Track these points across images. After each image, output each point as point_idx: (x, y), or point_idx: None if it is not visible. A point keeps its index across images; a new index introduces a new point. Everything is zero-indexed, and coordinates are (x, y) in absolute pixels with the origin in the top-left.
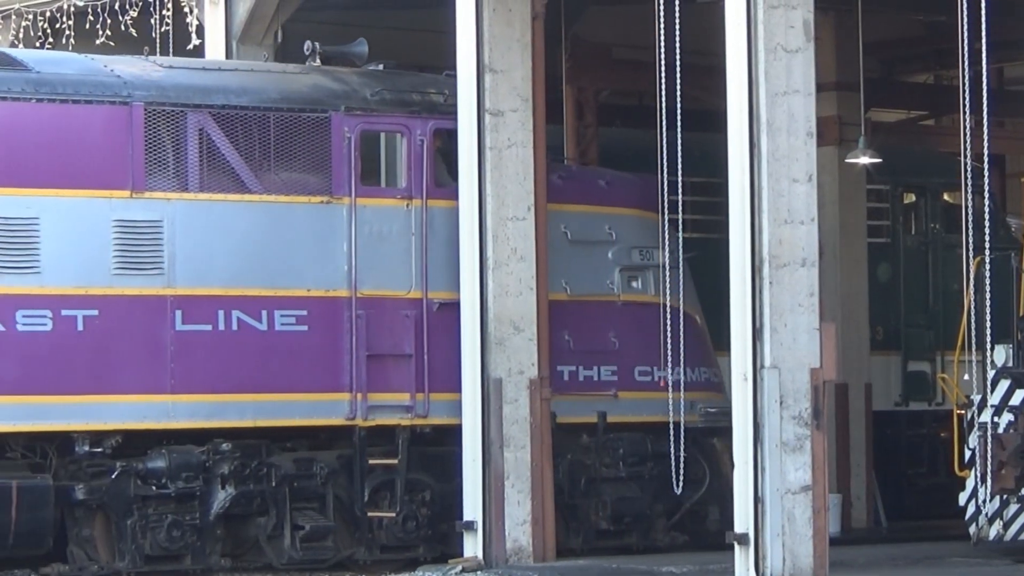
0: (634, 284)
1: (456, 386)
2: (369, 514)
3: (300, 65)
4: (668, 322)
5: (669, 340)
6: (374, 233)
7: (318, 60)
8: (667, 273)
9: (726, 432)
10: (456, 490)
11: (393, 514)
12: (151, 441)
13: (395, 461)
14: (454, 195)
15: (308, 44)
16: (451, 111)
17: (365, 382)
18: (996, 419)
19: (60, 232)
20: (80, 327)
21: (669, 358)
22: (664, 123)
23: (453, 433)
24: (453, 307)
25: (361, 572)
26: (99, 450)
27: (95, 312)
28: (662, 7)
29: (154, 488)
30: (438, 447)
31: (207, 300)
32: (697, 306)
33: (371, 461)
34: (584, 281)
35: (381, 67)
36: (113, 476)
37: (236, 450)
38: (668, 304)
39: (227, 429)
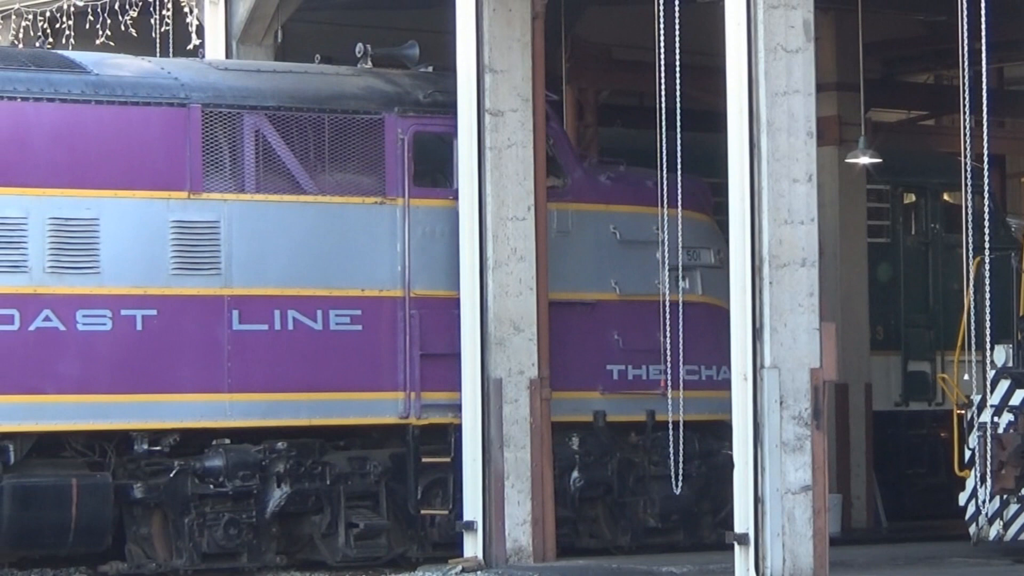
0: (682, 284)
1: None
2: (422, 512)
3: (352, 67)
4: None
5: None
6: (427, 233)
7: (369, 62)
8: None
9: None
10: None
11: (446, 511)
12: (207, 440)
13: (448, 459)
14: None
15: (360, 46)
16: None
17: (418, 381)
18: (996, 419)
19: (119, 233)
20: (139, 327)
21: (671, 357)
22: (664, 123)
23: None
24: None
25: (357, 571)
26: (157, 448)
27: (154, 312)
28: (662, 7)
29: (211, 486)
30: None
31: (263, 300)
32: None
33: (424, 459)
34: (633, 281)
35: (431, 69)
36: (171, 475)
37: (291, 449)
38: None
39: (281, 428)
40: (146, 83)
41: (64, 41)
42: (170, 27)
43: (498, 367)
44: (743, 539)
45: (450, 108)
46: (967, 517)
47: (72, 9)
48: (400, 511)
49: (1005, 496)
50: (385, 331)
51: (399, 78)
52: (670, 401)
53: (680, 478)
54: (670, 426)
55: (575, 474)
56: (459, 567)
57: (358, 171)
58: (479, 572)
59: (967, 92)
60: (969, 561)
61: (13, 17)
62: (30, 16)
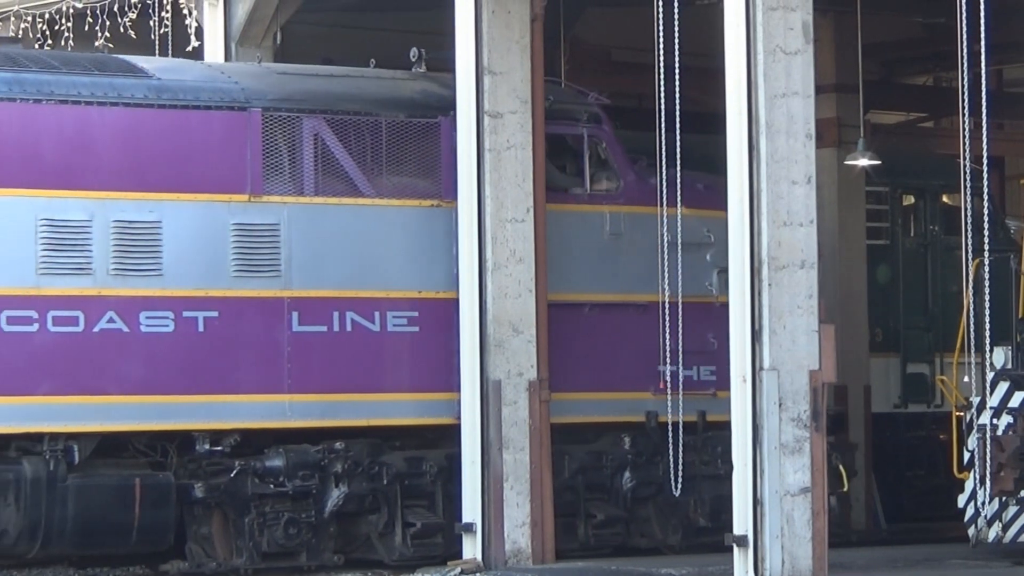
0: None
1: (566, 386)
2: None
3: (407, 71)
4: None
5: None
6: None
7: (423, 66)
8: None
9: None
10: (560, 488)
11: None
12: (266, 440)
13: None
14: (560, 198)
15: (414, 51)
16: (556, 116)
17: None
18: (995, 421)
19: (181, 235)
20: (201, 328)
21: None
22: (663, 124)
23: (558, 432)
24: (561, 308)
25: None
26: (218, 448)
27: (215, 313)
28: (661, 9)
29: (271, 486)
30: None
31: (322, 302)
32: None
33: None
34: (684, 282)
35: None
36: (232, 474)
37: (349, 449)
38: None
39: (339, 428)
40: (207, 87)
41: (63, 43)
42: (169, 29)
43: (497, 369)
44: (742, 541)
45: None
46: (966, 519)
47: (71, 11)
48: (455, 510)
49: (1004, 498)
50: (441, 333)
51: (453, 82)
52: (668, 401)
53: (680, 479)
54: (668, 425)
55: (627, 474)
56: (458, 569)
57: (414, 174)
58: (478, 574)
59: (966, 94)
60: (968, 563)
61: (12, 19)
62: (29, 18)
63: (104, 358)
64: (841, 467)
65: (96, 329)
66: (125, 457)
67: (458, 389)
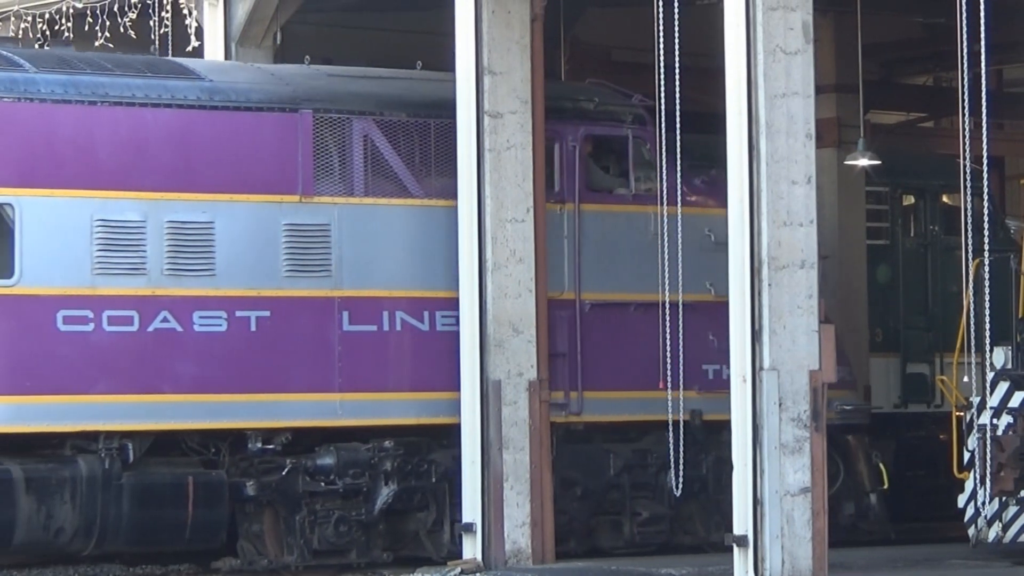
0: None
1: (611, 384)
2: None
3: (454, 73)
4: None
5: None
6: None
7: None
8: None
9: (861, 429)
10: (606, 486)
11: None
12: (316, 438)
13: (550, 457)
14: (606, 200)
15: None
16: (602, 117)
17: None
18: (995, 421)
19: (233, 236)
20: (253, 327)
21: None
22: (663, 124)
23: (604, 431)
24: (606, 307)
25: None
26: (270, 447)
27: (267, 313)
28: (661, 9)
29: (322, 484)
30: (586, 444)
31: (372, 301)
32: (832, 306)
33: None
34: (727, 282)
35: None
36: (283, 472)
37: (399, 447)
38: None
39: (388, 426)
40: (259, 89)
41: (63, 43)
42: (169, 29)
43: (497, 369)
44: (742, 541)
45: (550, 114)
46: (966, 519)
47: (71, 11)
48: None
49: (1004, 498)
50: None
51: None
52: (670, 401)
53: (681, 479)
54: (670, 426)
55: (671, 472)
56: (458, 569)
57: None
58: (478, 574)
59: (966, 94)
60: (968, 563)
61: (12, 19)
62: (29, 18)
63: (158, 357)
64: (882, 465)
65: (150, 329)
66: (177, 455)
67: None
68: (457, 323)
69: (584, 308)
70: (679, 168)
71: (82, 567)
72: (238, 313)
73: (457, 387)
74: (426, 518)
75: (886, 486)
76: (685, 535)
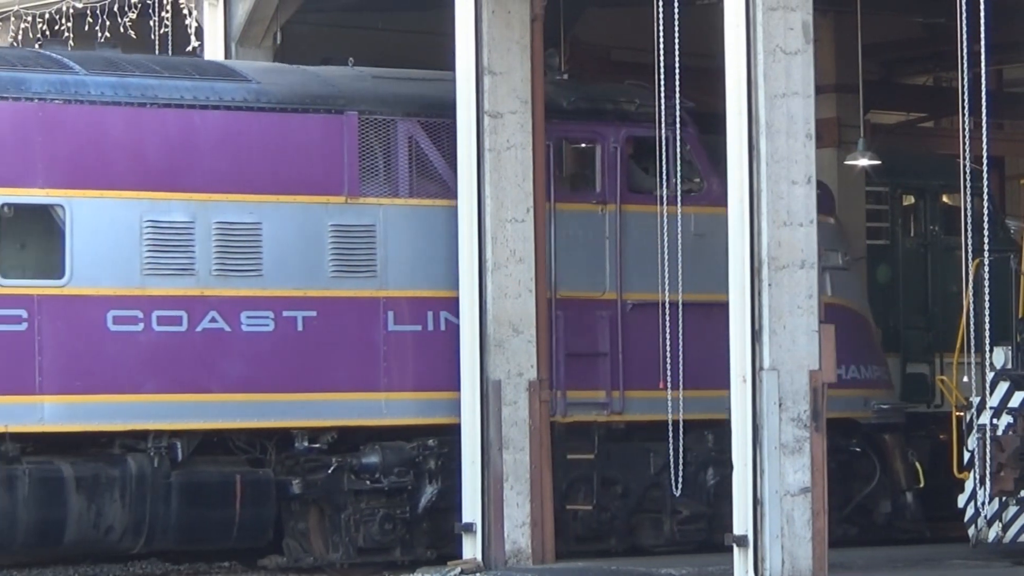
0: None
1: (650, 383)
2: (567, 507)
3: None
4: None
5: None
6: (571, 237)
7: None
8: None
9: (897, 428)
10: (646, 485)
11: (591, 507)
12: (360, 437)
13: (591, 456)
14: (647, 200)
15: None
16: (643, 119)
17: (564, 380)
18: (995, 421)
19: (280, 236)
20: (300, 328)
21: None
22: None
23: (644, 430)
24: (647, 308)
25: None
26: (316, 446)
27: (314, 313)
28: (661, 9)
29: (367, 483)
30: (626, 443)
31: (417, 301)
32: (867, 306)
33: (569, 456)
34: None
35: (565, 76)
36: (329, 471)
37: (443, 446)
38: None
39: (432, 425)
40: (305, 91)
41: (62, 43)
42: (169, 29)
43: (497, 369)
44: (742, 541)
45: (592, 115)
46: (966, 519)
47: (71, 11)
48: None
49: (1004, 498)
50: None
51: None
52: (669, 401)
53: (680, 479)
54: (669, 425)
55: (710, 471)
56: (458, 569)
57: None
58: (478, 574)
59: (966, 94)
60: (968, 563)
61: (12, 19)
62: (29, 18)
63: (206, 357)
64: (918, 464)
65: (199, 329)
66: (221, 454)
67: (549, 387)
68: None
69: (626, 308)
70: (720, 169)
71: (82, 567)
72: (285, 313)
73: None
74: None
75: (922, 484)
76: (725, 533)
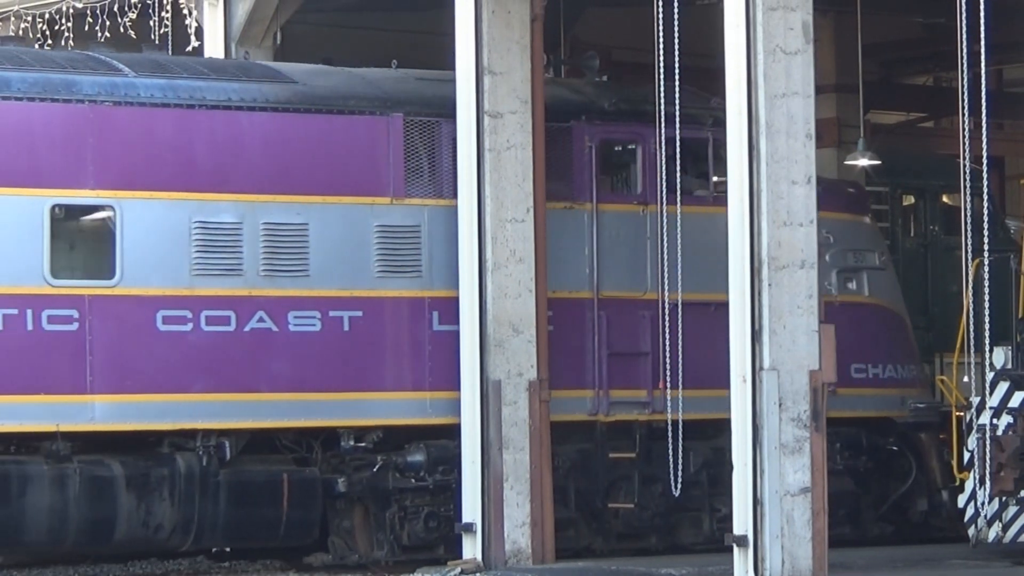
0: (850, 285)
1: (692, 382)
2: (609, 505)
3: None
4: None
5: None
6: (613, 237)
7: (551, 71)
8: None
9: (933, 427)
10: (686, 483)
11: (632, 505)
12: (404, 436)
13: (633, 455)
14: (687, 201)
15: (544, 57)
16: (681, 120)
17: (606, 379)
18: (995, 421)
19: (327, 237)
20: (346, 327)
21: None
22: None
23: (684, 428)
24: (687, 307)
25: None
26: (362, 444)
27: (360, 313)
28: (661, 9)
29: (412, 481)
30: (666, 441)
31: None
32: (903, 306)
33: (611, 455)
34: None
35: (605, 78)
36: (374, 469)
37: None
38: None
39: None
40: (350, 93)
41: (63, 43)
42: (169, 29)
43: (497, 369)
44: (742, 541)
45: (633, 116)
46: (966, 519)
47: (71, 11)
48: (586, 505)
49: (1004, 498)
50: (574, 331)
51: (584, 87)
52: (668, 401)
53: (680, 478)
54: (669, 426)
55: None
56: (458, 569)
57: (547, 177)
58: (478, 574)
59: (966, 94)
60: (968, 563)
61: (12, 19)
62: (29, 18)
63: (254, 357)
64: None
65: (247, 328)
66: (268, 453)
67: (591, 386)
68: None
69: (667, 308)
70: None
71: (82, 567)
72: (331, 313)
73: None
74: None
75: (957, 482)
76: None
